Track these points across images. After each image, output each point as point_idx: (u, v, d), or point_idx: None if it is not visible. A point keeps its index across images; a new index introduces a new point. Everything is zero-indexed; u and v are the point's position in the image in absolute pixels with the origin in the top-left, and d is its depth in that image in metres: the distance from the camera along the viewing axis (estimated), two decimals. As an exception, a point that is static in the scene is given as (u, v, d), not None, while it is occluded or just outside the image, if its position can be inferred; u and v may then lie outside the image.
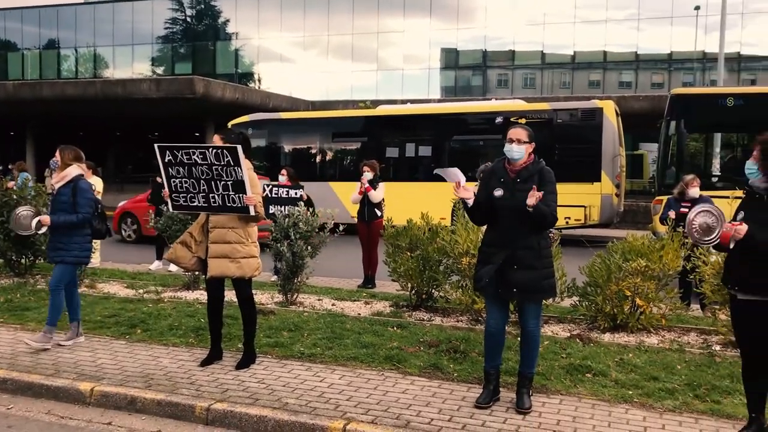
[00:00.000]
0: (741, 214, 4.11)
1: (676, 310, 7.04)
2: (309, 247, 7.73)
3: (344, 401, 4.71)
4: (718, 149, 14.71)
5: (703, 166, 13.67)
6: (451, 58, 39.98)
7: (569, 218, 15.27)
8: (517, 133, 4.53)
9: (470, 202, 4.58)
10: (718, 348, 6.18)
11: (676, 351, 5.99)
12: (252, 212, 5.22)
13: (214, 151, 5.20)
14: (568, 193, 14.74)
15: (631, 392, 4.93)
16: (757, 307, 4.01)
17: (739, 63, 34.05)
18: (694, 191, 8.35)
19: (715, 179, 12.85)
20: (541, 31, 37.08)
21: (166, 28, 44.30)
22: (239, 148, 5.12)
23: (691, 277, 6.80)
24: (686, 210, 8.17)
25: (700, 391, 4.95)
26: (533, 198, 4.29)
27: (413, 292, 7.81)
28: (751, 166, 4.13)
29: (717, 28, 21.18)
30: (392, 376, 5.26)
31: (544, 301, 6.64)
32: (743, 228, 3.90)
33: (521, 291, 4.51)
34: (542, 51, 37.59)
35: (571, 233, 15.23)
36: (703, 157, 14.45)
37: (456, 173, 4.60)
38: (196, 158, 5.30)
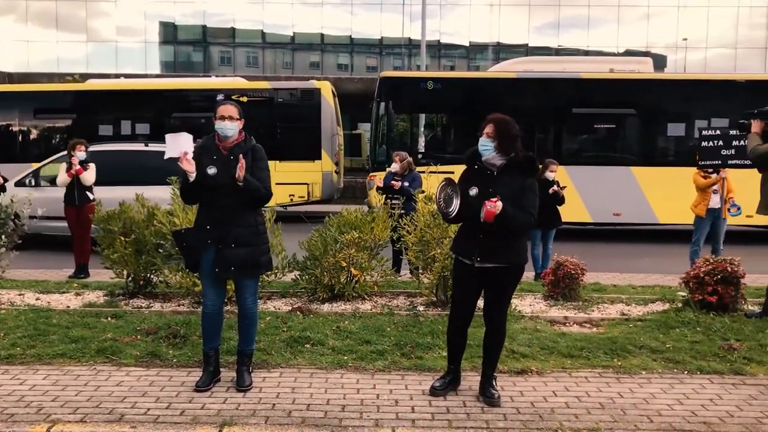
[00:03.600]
0: (474, 190, 4.22)
1: (387, 277, 7.62)
2: (3, 237, 6.91)
3: (49, 402, 4.32)
4: (422, 129, 16.08)
5: (410, 144, 14.82)
6: (169, 33, 38.24)
7: (293, 195, 15.66)
8: (229, 110, 4.48)
9: (192, 176, 4.39)
10: (421, 308, 6.83)
11: (386, 314, 6.50)
12: None
13: None
14: (291, 171, 15.17)
15: (346, 357, 5.23)
16: (485, 273, 4.31)
17: (439, 50, 37.64)
18: (395, 166, 9.18)
19: (419, 156, 14.01)
20: (261, 10, 37.15)
21: None
22: None
23: (398, 245, 7.42)
24: (396, 183, 8.98)
25: (406, 349, 5.42)
26: (242, 168, 4.30)
27: (130, 279, 7.41)
28: (486, 143, 4.21)
29: (420, 16, 23.03)
30: (105, 370, 4.95)
31: (264, 277, 6.79)
32: (500, 204, 4.04)
33: (240, 268, 4.50)
34: (263, 30, 37.71)
35: (294, 210, 15.67)
36: (410, 136, 15.68)
37: (186, 141, 4.37)
38: None
